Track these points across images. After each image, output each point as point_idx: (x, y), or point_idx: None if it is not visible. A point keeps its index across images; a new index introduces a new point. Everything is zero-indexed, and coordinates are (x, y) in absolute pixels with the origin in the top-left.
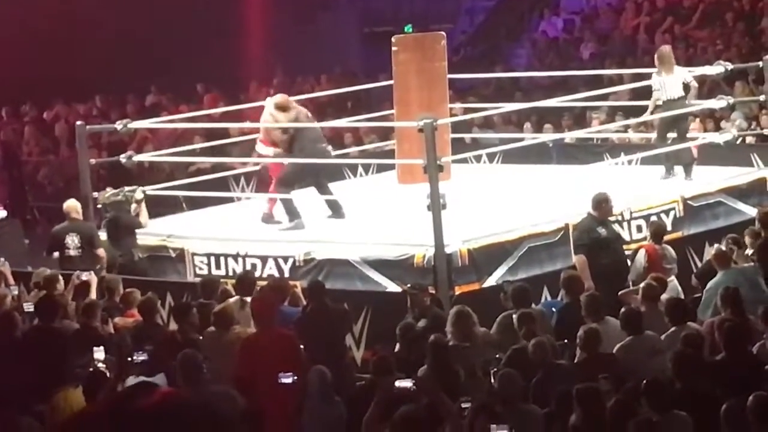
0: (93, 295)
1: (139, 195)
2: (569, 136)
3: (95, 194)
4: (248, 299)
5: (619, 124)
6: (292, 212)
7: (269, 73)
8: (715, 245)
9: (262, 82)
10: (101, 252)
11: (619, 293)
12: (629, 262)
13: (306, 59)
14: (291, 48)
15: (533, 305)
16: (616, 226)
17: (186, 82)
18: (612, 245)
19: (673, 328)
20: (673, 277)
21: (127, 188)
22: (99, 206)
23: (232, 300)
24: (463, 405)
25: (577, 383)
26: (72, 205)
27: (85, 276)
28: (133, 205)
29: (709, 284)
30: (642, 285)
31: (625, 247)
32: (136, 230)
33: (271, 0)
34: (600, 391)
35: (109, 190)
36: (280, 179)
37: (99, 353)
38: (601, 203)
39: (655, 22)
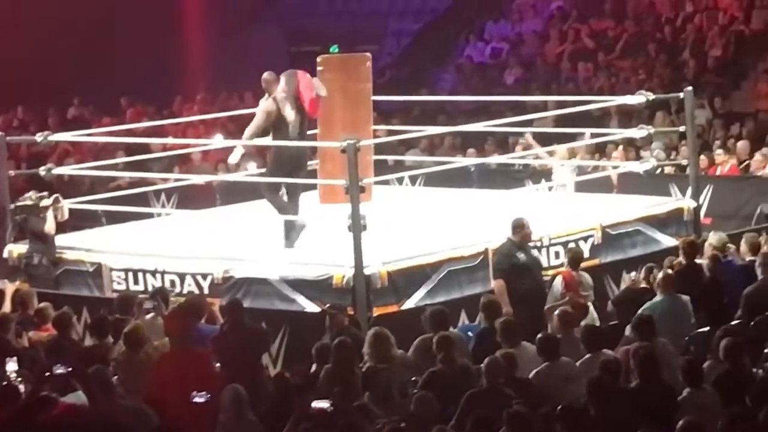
0: (8, 303)
1: (46, 202)
2: (491, 161)
3: (12, 206)
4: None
5: (542, 150)
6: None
7: (194, 87)
8: (661, 269)
9: (187, 96)
10: None
11: (546, 308)
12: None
13: (232, 76)
14: (217, 64)
15: (451, 329)
16: (535, 252)
17: (110, 95)
18: (531, 271)
19: (588, 355)
20: (589, 304)
21: (38, 194)
22: (10, 207)
23: (148, 316)
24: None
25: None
26: None
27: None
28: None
29: (647, 305)
30: (557, 311)
31: (543, 273)
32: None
33: (199, 16)
34: (530, 416)
35: (30, 194)
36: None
37: (11, 364)
38: (519, 228)
39: (578, 50)
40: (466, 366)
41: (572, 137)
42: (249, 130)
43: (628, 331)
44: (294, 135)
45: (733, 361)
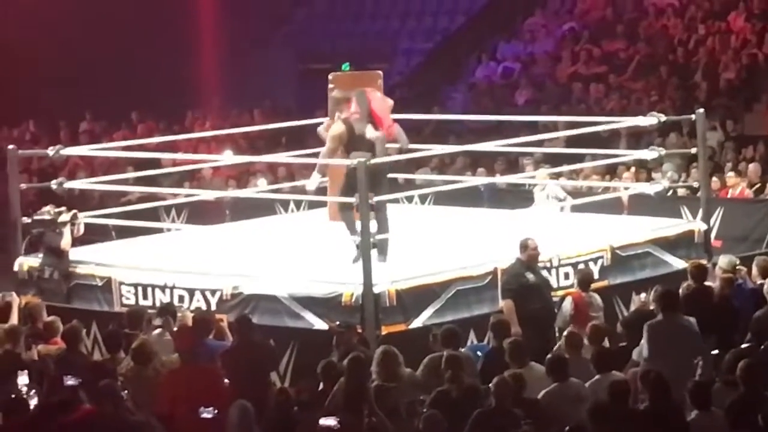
0: (15, 315)
1: (64, 217)
2: (501, 181)
3: (25, 219)
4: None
5: (552, 170)
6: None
7: (206, 104)
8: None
9: (198, 113)
10: None
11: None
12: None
13: (243, 93)
14: (228, 81)
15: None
16: (544, 272)
17: (122, 110)
18: (540, 291)
19: (597, 376)
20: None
21: (55, 209)
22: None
23: (156, 332)
24: None
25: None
26: None
27: (7, 297)
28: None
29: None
30: (566, 333)
31: (552, 293)
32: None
33: (210, 33)
34: None
35: (47, 208)
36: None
37: (23, 378)
38: (526, 248)
39: (590, 71)
40: (475, 386)
41: (581, 158)
42: (322, 156)
43: (635, 354)
44: (382, 153)
45: (748, 383)
